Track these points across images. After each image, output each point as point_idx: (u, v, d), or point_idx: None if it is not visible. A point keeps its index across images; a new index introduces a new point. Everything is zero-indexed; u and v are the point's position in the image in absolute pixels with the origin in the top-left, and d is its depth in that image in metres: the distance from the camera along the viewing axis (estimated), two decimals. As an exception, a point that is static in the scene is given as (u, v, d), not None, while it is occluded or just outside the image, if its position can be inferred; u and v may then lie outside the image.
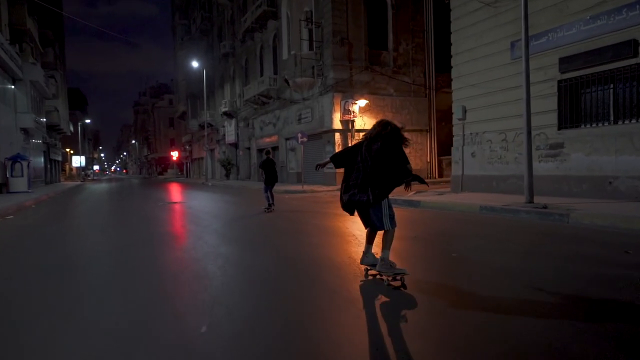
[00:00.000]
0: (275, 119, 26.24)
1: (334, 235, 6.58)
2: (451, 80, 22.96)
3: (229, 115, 34.45)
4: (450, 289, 3.60)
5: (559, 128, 9.98)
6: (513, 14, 10.91)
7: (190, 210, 11.33)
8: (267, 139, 27.78)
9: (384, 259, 3.72)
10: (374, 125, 3.96)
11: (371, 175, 3.76)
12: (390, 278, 3.64)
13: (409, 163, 3.86)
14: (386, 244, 3.76)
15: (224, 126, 36.45)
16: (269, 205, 10.15)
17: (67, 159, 53.81)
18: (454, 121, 13.03)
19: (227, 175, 35.30)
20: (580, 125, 9.70)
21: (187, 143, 52.94)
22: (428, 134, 22.21)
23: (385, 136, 3.82)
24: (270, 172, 10.24)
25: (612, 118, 9.08)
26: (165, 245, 5.99)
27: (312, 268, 4.45)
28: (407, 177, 3.82)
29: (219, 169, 38.38)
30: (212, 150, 40.70)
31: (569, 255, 4.82)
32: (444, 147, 23.04)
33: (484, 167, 12.04)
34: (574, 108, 9.79)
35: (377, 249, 3.97)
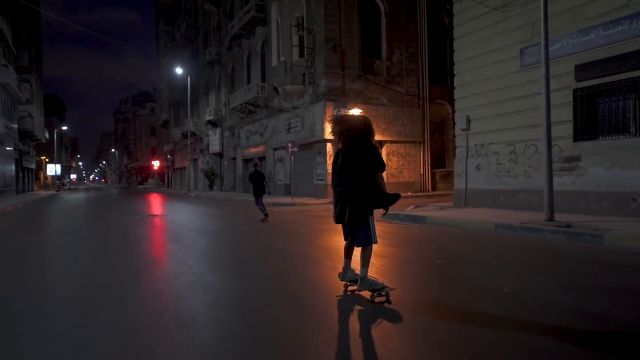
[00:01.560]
0: (262, 129, 25.25)
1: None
2: (445, 91, 22.72)
3: (213, 124, 33.29)
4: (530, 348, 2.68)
5: (575, 140, 9.32)
6: (522, 19, 10.33)
7: (172, 225, 10.20)
8: (254, 149, 26.73)
9: (363, 278, 3.57)
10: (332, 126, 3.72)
11: (344, 189, 3.57)
12: (375, 294, 3.47)
13: (383, 168, 3.60)
14: (365, 261, 3.60)
15: (208, 135, 35.23)
16: (265, 215, 10.46)
17: (42, 168, 51.42)
18: (457, 132, 12.32)
19: (211, 186, 33.99)
20: (598, 137, 9.06)
21: (169, 152, 51.29)
22: (422, 145, 21.57)
23: (347, 138, 3.60)
24: (258, 184, 10.52)
25: (634, 129, 8.46)
26: (141, 274, 4.90)
27: (329, 307, 3.47)
28: (386, 199, 3.59)
29: (202, 180, 37.00)
30: (195, 160, 39.32)
31: (637, 289, 3.98)
32: (438, 159, 22.48)
33: (490, 180, 11.31)
34: (591, 119, 9.16)
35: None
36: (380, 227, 9.20)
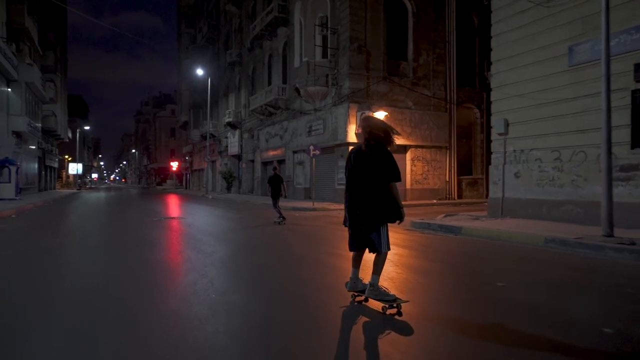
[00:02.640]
0: (282, 131, 24.75)
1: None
2: (473, 94, 21.77)
3: (232, 126, 33.01)
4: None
5: (633, 147, 8.42)
6: (571, 14, 9.48)
7: (190, 229, 9.67)
8: (273, 152, 26.25)
9: (374, 284, 3.47)
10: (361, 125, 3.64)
11: (356, 195, 3.49)
12: (387, 305, 3.37)
13: (398, 178, 3.43)
14: (377, 269, 3.50)
15: (227, 137, 34.98)
16: (283, 218, 10.66)
17: (64, 166, 52.21)
18: (493, 136, 11.49)
19: (229, 188, 33.66)
20: (660, 144, 8.14)
21: (187, 154, 51.42)
22: (448, 151, 20.68)
23: (372, 145, 3.46)
24: (276, 187, 10.76)
25: None
26: (154, 289, 4.30)
27: (356, 332, 2.78)
28: (395, 214, 3.45)
29: (220, 182, 36.76)
30: (213, 162, 39.14)
31: None
32: (464, 166, 21.55)
33: (530, 189, 10.43)
34: (652, 123, 8.25)
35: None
36: (413, 238, 8.47)
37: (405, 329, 3.10)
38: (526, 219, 10.19)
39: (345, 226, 3.66)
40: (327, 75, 19.32)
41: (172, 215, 13.39)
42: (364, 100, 18.36)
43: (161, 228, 9.93)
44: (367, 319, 3.32)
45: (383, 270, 3.57)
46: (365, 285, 3.61)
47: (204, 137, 38.91)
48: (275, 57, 26.10)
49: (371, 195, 3.40)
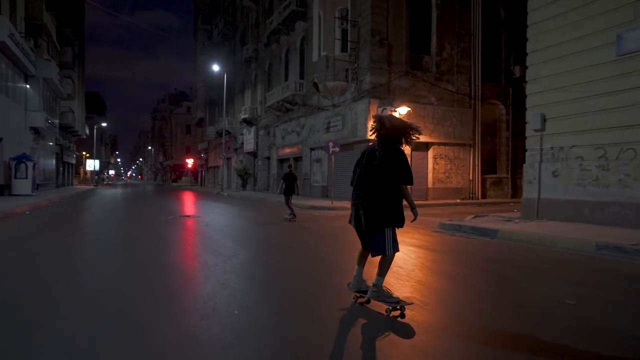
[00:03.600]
0: (299, 127, 24.22)
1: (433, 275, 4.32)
2: (499, 90, 20.83)
3: (248, 122, 32.64)
4: None
5: (693, 143, 7.60)
6: (620, -1, 8.67)
7: (207, 229, 9.20)
8: (289, 149, 25.76)
9: (377, 285, 3.38)
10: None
11: (362, 194, 3.41)
12: (390, 307, 3.27)
13: (410, 181, 3.33)
14: (382, 270, 3.40)
15: (242, 134, 34.65)
16: (293, 215, 10.74)
17: (81, 163, 52.73)
18: (528, 132, 10.72)
19: (244, 186, 33.34)
20: None
21: (203, 151, 51.38)
22: (472, 149, 19.86)
23: (384, 139, 3.41)
24: (290, 184, 10.88)
25: None
26: (172, 301, 3.78)
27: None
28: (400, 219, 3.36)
29: (235, 179, 36.48)
30: (228, 159, 38.90)
31: None
32: (488, 164, 20.70)
33: (570, 189, 9.66)
34: None
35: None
36: (443, 241, 7.83)
37: (406, 332, 2.94)
38: (566, 221, 9.43)
39: (351, 225, 3.58)
40: (346, 70, 18.69)
41: (187, 214, 12.99)
42: (385, 95, 17.69)
43: (176, 227, 9.50)
44: (367, 322, 2.75)
45: (412, 274, 3.62)
46: (368, 286, 3.52)
47: (219, 134, 38.69)
48: (292, 52, 25.57)
49: (378, 196, 3.29)
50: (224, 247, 6.59)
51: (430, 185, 18.94)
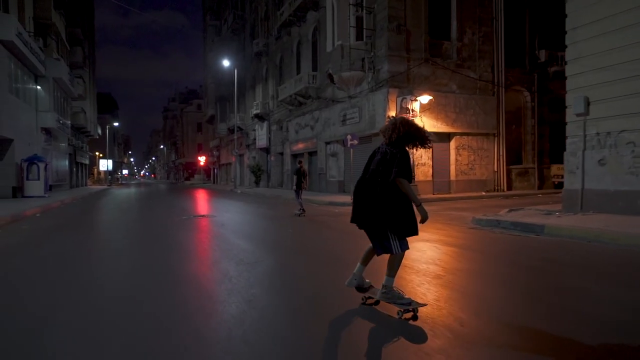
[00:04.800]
0: (313, 121, 23.47)
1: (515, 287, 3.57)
2: (523, 76, 19.73)
3: (260, 118, 32.00)
4: None
5: None
6: (679, -37, 7.71)
7: (223, 230, 8.55)
8: (303, 144, 25.04)
9: (387, 286, 3.16)
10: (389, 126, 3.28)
11: (367, 192, 3.23)
12: (402, 310, 3.05)
13: (409, 176, 3.09)
14: (391, 270, 3.19)
15: (254, 130, 34.03)
16: (303, 210, 10.98)
17: (95, 163, 52.87)
18: (569, 117, 9.81)
19: (257, 182, 32.78)
20: None
21: (214, 148, 51.01)
22: (496, 138, 18.87)
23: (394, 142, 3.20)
24: (299, 180, 11.27)
25: None
26: (184, 326, 3.11)
27: None
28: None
29: (248, 175, 35.95)
30: (241, 156, 38.37)
31: None
32: (513, 154, 19.69)
33: (620, 179, 8.76)
34: None
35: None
36: (482, 238, 7.05)
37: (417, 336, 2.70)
38: (616, 213, 8.54)
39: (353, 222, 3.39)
40: (362, 59, 17.85)
41: (201, 213, 12.40)
42: (405, 84, 16.81)
43: (191, 229, 8.88)
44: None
45: (453, 280, 3.41)
46: (365, 282, 3.41)
47: (231, 131, 38.18)
48: (304, 44, 24.78)
49: (380, 193, 3.12)
50: (244, 252, 5.92)
51: (452, 177, 18.05)
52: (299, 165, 11.69)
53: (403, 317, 3.04)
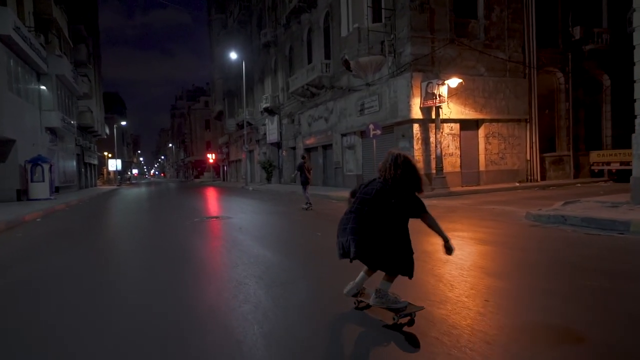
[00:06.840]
0: (327, 113, 22.20)
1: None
2: (556, 56, 18.10)
3: (270, 111, 30.80)
4: None
5: None
6: None
7: (241, 235, 7.39)
8: (317, 137, 23.81)
9: (381, 290, 2.98)
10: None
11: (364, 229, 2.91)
12: (398, 315, 2.89)
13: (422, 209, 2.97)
14: (391, 277, 3.03)
15: (264, 124, 32.85)
16: (310, 204, 11.36)
17: (104, 163, 52.30)
18: (637, 93, 8.45)
19: (269, 179, 31.66)
20: None
21: (223, 145, 50.02)
22: (528, 124, 17.45)
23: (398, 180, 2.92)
24: (305, 174, 11.66)
25: None
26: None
27: None
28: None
29: (259, 172, 34.86)
30: (251, 152, 37.29)
31: None
32: (546, 141, 18.26)
33: None
34: None
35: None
36: (552, 236, 5.78)
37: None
38: None
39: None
40: (382, 42, 16.52)
41: (215, 214, 11.28)
42: (429, 67, 15.47)
43: (205, 235, 7.75)
44: None
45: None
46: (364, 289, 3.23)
47: (240, 126, 37.10)
48: (315, 32, 23.46)
49: (382, 236, 2.86)
50: (272, 267, 4.74)
51: (482, 168, 16.70)
52: (302, 161, 12.04)
53: (399, 322, 2.88)
